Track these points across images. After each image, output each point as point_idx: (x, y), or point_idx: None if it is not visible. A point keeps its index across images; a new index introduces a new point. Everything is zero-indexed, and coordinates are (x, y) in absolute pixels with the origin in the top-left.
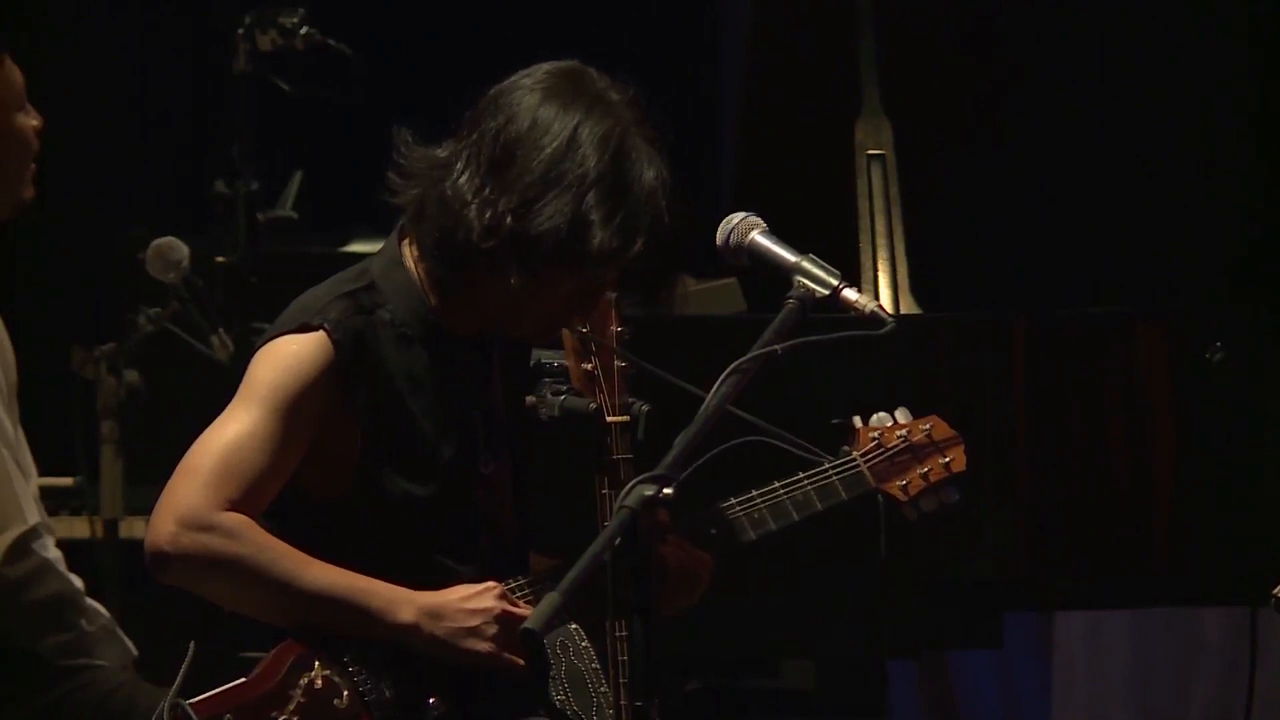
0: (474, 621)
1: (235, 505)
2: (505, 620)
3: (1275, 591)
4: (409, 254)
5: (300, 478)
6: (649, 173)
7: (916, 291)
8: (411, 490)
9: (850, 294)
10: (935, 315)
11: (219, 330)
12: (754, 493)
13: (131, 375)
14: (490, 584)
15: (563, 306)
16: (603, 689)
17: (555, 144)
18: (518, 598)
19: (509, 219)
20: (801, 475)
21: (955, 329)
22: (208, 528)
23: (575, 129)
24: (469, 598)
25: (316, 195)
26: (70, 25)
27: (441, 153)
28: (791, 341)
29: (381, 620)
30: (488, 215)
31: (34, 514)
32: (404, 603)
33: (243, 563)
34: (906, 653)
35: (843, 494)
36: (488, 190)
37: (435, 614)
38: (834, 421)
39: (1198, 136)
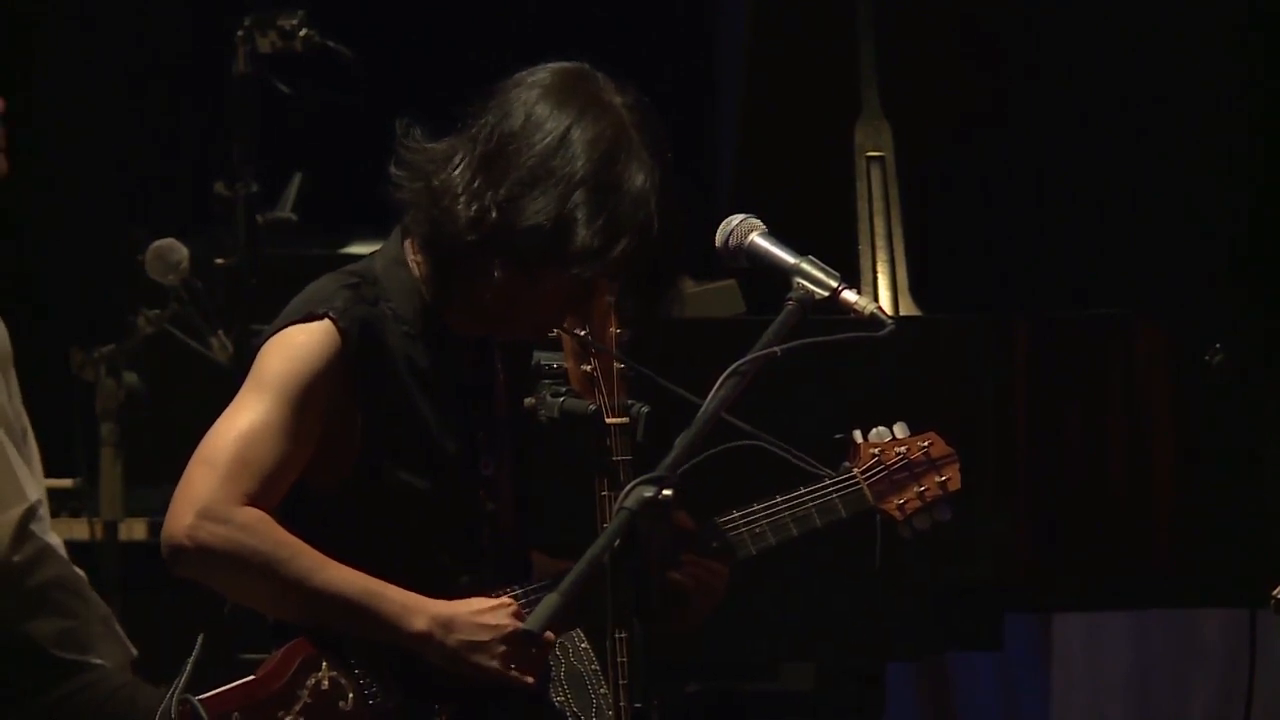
0: (485, 636)
1: (253, 498)
2: (517, 638)
3: (1275, 593)
4: (410, 253)
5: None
6: (639, 177)
7: (916, 293)
8: (411, 481)
9: (850, 296)
10: (935, 317)
11: (219, 332)
12: (755, 505)
13: (131, 377)
14: (505, 600)
15: (553, 306)
16: (603, 690)
17: (546, 141)
18: (522, 605)
19: (494, 212)
20: (803, 490)
21: (955, 330)
22: (226, 521)
23: (568, 129)
24: (483, 612)
25: (316, 196)
26: (70, 26)
27: (440, 146)
28: (791, 343)
29: (394, 626)
30: (474, 208)
31: (33, 489)
32: (417, 611)
33: (259, 558)
34: (907, 655)
35: (842, 512)
36: (477, 183)
37: (448, 625)
38: (836, 437)
39: (1198, 136)
